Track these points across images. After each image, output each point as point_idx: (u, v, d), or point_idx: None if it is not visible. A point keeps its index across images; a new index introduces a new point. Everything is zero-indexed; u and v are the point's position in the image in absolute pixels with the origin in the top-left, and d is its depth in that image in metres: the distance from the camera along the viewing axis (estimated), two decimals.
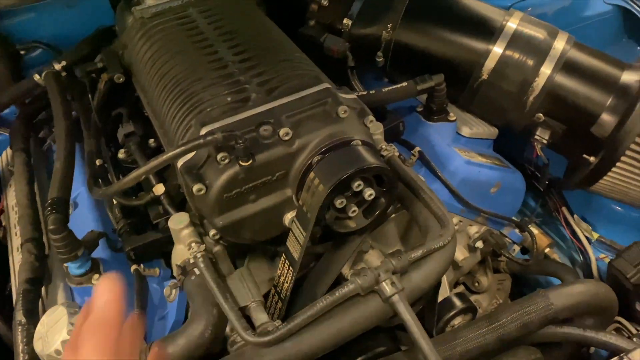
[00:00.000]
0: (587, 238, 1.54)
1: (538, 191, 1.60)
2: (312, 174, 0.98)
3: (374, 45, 1.38)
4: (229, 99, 1.04)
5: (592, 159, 1.26)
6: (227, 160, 0.93)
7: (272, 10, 1.41)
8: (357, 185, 0.96)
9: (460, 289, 1.58)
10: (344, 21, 1.38)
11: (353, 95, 1.11)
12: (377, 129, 1.14)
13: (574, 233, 1.55)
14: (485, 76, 1.30)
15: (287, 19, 1.40)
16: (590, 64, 1.28)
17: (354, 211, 1.00)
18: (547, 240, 1.55)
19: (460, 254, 1.40)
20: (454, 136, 1.34)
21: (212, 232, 1.02)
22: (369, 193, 0.98)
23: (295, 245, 1.01)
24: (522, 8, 1.43)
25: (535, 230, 1.57)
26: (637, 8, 1.62)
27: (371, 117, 1.07)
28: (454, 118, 1.34)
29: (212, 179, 0.94)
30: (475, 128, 1.37)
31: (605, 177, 1.25)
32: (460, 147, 1.33)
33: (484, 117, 1.41)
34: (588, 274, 1.52)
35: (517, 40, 1.29)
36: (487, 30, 1.31)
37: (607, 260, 1.52)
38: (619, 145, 1.19)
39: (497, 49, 1.29)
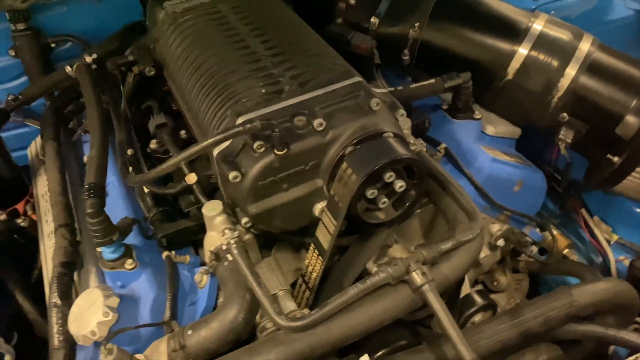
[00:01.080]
0: (606, 240, 1.55)
1: (557, 193, 1.62)
2: (344, 164, 1.00)
3: (401, 43, 1.40)
4: (263, 90, 1.06)
5: (615, 159, 1.28)
6: (263, 149, 0.96)
7: (300, 7, 1.44)
8: (388, 176, 0.98)
9: (480, 287, 1.59)
10: (372, 20, 1.40)
11: (384, 90, 1.13)
12: (405, 124, 1.16)
13: (593, 234, 1.56)
14: (510, 76, 1.32)
15: (314, 16, 1.42)
16: (615, 65, 1.30)
17: (384, 202, 1.02)
18: (567, 241, 1.57)
19: (482, 252, 1.41)
20: (479, 134, 1.36)
21: (244, 220, 1.05)
22: (399, 184, 1.00)
23: (326, 235, 1.03)
24: (547, 10, 1.46)
25: (554, 232, 1.58)
26: None
27: (402, 111, 1.09)
28: (479, 116, 1.36)
29: (247, 166, 0.97)
30: (499, 127, 1.39)
31: (629, 177, 1.26)
32: (485, 145, 1.34)
33: (508, 117, 1.42)
34: (606, 275, 1.53)
35: (542, 42, 1.31)
36: (513, 32, 1.33)
37: (626, 262, 1.53)
38: None
39: (523, 50, 1.31)
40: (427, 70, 1.47)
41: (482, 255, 1.42)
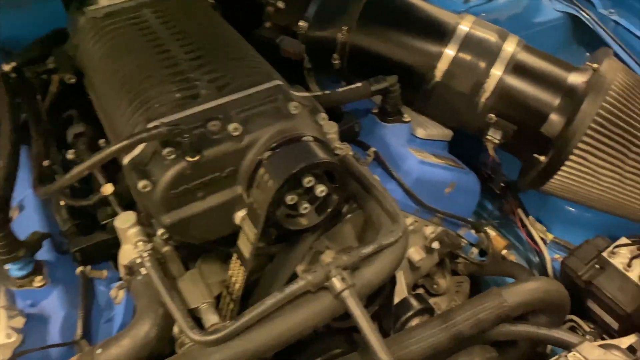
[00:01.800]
0: (542, 239, 1.56)
1: (494, 194, 1.63)
2: (262, 170, 0.97)
3: (330, 47, 1.38)
4: (177, 95, 1.03)
5: (542, 158, 1.29)
6: (173, 156, 0.92)
7: (228, 12, 1.41)
8: (308, 181, 0.96)
9: (420, 291, 1.59)
10: (300, 23, 1.38)
11: (305, 93, 1.11)
12: (331, 128, 1.14)
13: (529, 234, 1.58)
14: (438, 78, 1.32)
15: (243, 21, 1.40)
16: (539, 65, 1.31)
17: (306, 208, 0.99)
18: (504, 241, 1.58)
19: (417, 255, 1.41)
20: (409, 137, 1.35)
21: (160, 231, 1.00)
22: (320, 189, 0.98)
23: (246, 243, 0.99)
24: (476, 13, 1.47)
25: (492, 233, 1.59)
26: (586, 16, 1.67)
27: (323, 115, 1.07)
28: (408, 119, 1.35)
29: (158, 175, 0.92)
30: (430, 130, 1.38)
31: (555, 177, 1.27)
32: (415, 148, 1.34)
33: (439, 119, 1.42)
34: (543, 274, 1.55)
35: (469, 43, 1.31)
36: (440, 33, 1.33)
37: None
38: (567, 144, 1.22)
39: (450, 51, 1.31)
40: (359, 75, 1.46)
41: (417, 258, 1.41)
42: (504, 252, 1.58)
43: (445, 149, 1.46)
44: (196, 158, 0.92)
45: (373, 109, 1.38)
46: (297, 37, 1.39)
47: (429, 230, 1.39)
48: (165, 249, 1.02)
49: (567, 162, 1.24)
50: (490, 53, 1.30)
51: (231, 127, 0.95)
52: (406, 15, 1.37)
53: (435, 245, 1.41)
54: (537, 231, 1.56)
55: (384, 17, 1.37)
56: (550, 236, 1.56)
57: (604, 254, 1.29)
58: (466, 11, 1.51)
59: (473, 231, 1.49)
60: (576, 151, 1.22)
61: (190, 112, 0.98)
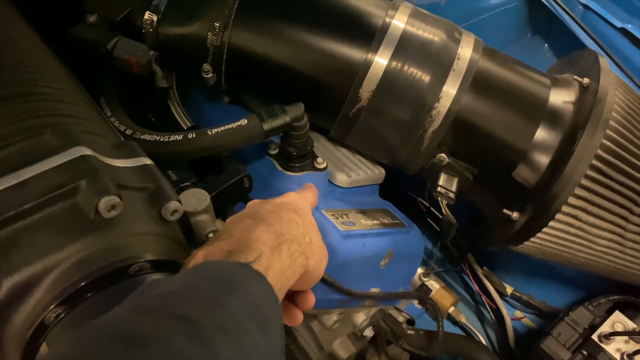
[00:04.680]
0: (498, 292, 1.21)
1: (437, 232, 1.24)
2: (43, 347, 0.49)
3: (198, 53, 0.88)
4: None
5: (515, 215, 0.90)
6: None
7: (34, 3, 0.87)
8: None
9: None
10: (146, 16, 0.86)
11: (144, 160, 0.63)
12: (200, 204, 0.69)
13: (482, 287, 1.21)
14: (364, 100, 0.87)
15: (55, 15, 0.87)
16: (507, 79, 0.90)
17: None
18: (451, 297, 1.20)
19: (345, 351, 0.99)
20: (326, 190, 0.91)
21: None
22: None
23: None
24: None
25: (435, 285, 1.22)
26: None
27: (174, 206, 0.59)
28: (323, 165, 0.90)
29: None
30: (354, 173, 0.94)
31: (533, 239, 0.89)
32: (335, 205, 0.90)
33: (366, 154, 0.99)
34: (502, 337, 1.20)
35: (407, 46, 0.87)
36: (365, 31, 0.87)
37: (525, 321, 1.20)
38: (553, 198, 0.83)
39: (380, 60, 0.86)
40: (247, 93, 0.99)
41: (346, 355, 1.00)
42: (452, 310, 1.21)
43: (376, 193, 1.03)
44: None
45: (271, 148, 0.91)
46: (143, 38, 0.87)
47: (360, 318, 0.98)
48: None
49: (553, 223, 0.86)
50: (439, 62, 0.87)
51: None
52: (312, 5, 0.90)
53: (368, 332, 1.01)
54: (492, 284, 1.20)
55: (278, 7, 0.89)
56: (509, 289, 1.20)
57: (594, 338, 0.94)
58: None
59: (416, 302, 1.10)
60: (566, 208, 0.84)
61: None
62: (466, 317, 1.22)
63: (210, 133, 0.77)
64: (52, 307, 0.49)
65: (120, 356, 0.34)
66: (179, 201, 0.60)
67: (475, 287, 1.22)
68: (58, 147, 0.56)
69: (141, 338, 0.36)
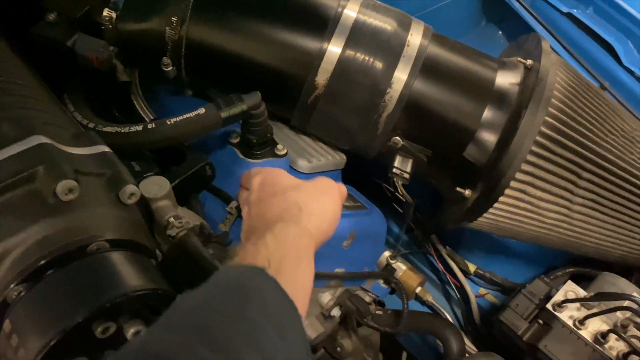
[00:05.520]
0: (462, 271, 1.25)
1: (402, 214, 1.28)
2: (6, 324, 0.52)
3: (157, 48, 0.91)
4: None
5: (467, 192, 0.94)
6: None
7: None
8: (102, 330, 0.52)
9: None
10: (105, 13, 0.89)
11: (102, 148, 0.66)
12: (161, 191, 0.72)
13: (447, 267, 1.26)
14: (321, 88, 0.91)
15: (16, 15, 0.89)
16: (456, 63, 0.95)
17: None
18: (418, 278, 1.24)
19: (313, 331, 1.03)
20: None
21: None
22: (133, 330, 0.55)
23: None
24: None
25: (402, 266, 1.26)
26: None
27: (130, 189, 0.62)
28: (284, 152, 0.93)
29: None
30: (317, 159, 0.98)
31: (485, 215, 0.94)
32: None
33: (327, 141, 1.03)
34: (468, 314, 1.25)
35: (359, 35, 0.91)
36: (318, 21, 0.91)
37: (488, 297, 1.25)
38: (501, 174, 0.88)
39: (334, 48, 0.90)
40: (208, 85, 1.02)
41: (314, 334, 1.03)
42: (419, 290, 1.25)
43: (339, 179, 1.07)
44: None
45: (232, 137, 0.94)
46: (102, 34, 0.90)
47: (326, 297, 1.02)
48: None
49: (503, 198, 0.90)
50: (390, 49, 0.91)
51: None
52: None
53: (335, 312, 1.04)
54: (456, 263, 1.25)
55: (233, 0, 0.92)
56: (472, 268, 1.25)
57: (549, 307, 0.99)
58: None
59: (381, 282, 1.14)
60: (514, 183, 0.89)
61: None
62: (433, 297, 1.26)
63: (169, 123, 0.80)
64: (12, 285, 0.52)
65: None
66: (136, 185, 0.63)
67: (440, 267, 1.27)
68: (16, 137, 0.59)
69: (171, 353, 0.40)
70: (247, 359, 0.42)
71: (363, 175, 1.15)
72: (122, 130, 0.81)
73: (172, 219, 0.71)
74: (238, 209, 0.86)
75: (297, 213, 0.65)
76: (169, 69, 0.93)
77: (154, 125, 0.81)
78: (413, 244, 1.33)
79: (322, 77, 0.91)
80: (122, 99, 0.99)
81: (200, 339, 0.42)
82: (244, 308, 0.47)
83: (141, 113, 0.97)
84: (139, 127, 0.80)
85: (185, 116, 0.81)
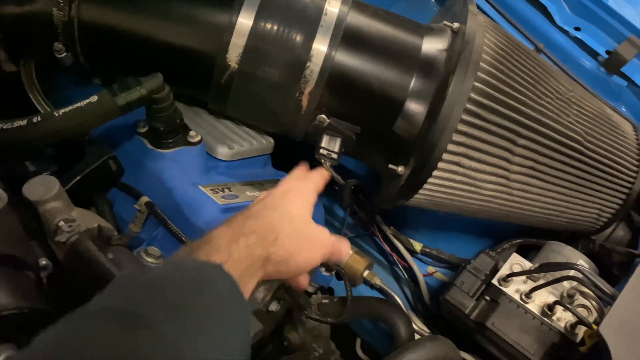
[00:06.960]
0: (409, 250, 1.20)
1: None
2: None
3: (45, 31, 0.81)
4: None
5: (400, 169, 0.88)
6: None
7: None
8: None
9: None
10: None
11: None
12: (47, 192, 0.64)
13: (393, 247, 1.21)
14: (234, 65, 0.83)
15: None
16: (379, 31, 0.88)
17: None
18: (364, 262, 1.18)
19: (251, 329, 0.96)
20: (205, 165, 0.86)
21: None
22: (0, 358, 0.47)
23: None
24: None
25: (350, 251, 1.20)
26: None
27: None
28: (197, 138, 0.85)
29: None
30: (239, 144, 0.90)
31: (420, 192, 0.88)
32: (216, 181, 0.85)
33: (249, 124, 0.95)
34: (418, 294, 1.20)
35: (271, 5, 0.83)
36: None
37: (437, 275, 1.21)
38: (432, 147, 0.82)
39: (244, 21, 0.82)
40: (112, 71, 0.92)
41: (252, 332, 0.97)
42: (367, 274, 1.20)
43: (268, 164, 1.00)
44: None
45: (139, 128, 0.85)
46: None
47: (261, 294, 0.95)
48: None
49: (437, 172, 0.85)
50: (306, 18, 0.84)
51: None
52: None
53: (274, 307, 0.98)
54: (401, 243, 1.19)
55: None
56: (418, 246, 1.20)
57: (495, 282, 0.95)
58: None
59: (323, 269, 1.08)
60: (447, 156, 0.83)
61: None
62: (382, 279, 1.21)
63: (57, 115, 0.71)
64: None
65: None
66: (3, 189, 0.54)
67: (387, 248, 1.21)
68: None
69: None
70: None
71: (297, 158, 1.08)
72: (4, 127, 0.71)
73: (61, 223, 0.63)
74: (148, 205, 0.78)
75: (271, 241, 0.60)
76: (63, 54, 0.83)
77: (39, 119, 0.71)
78: (360, 227, 1.27)
79: (233, 53, 0.83)
80: (15, 92, 0.88)
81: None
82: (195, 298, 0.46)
83: (38, 107, 0.87)
84: (23, 122, 0.71)
85: (75, 106, 0.72)
